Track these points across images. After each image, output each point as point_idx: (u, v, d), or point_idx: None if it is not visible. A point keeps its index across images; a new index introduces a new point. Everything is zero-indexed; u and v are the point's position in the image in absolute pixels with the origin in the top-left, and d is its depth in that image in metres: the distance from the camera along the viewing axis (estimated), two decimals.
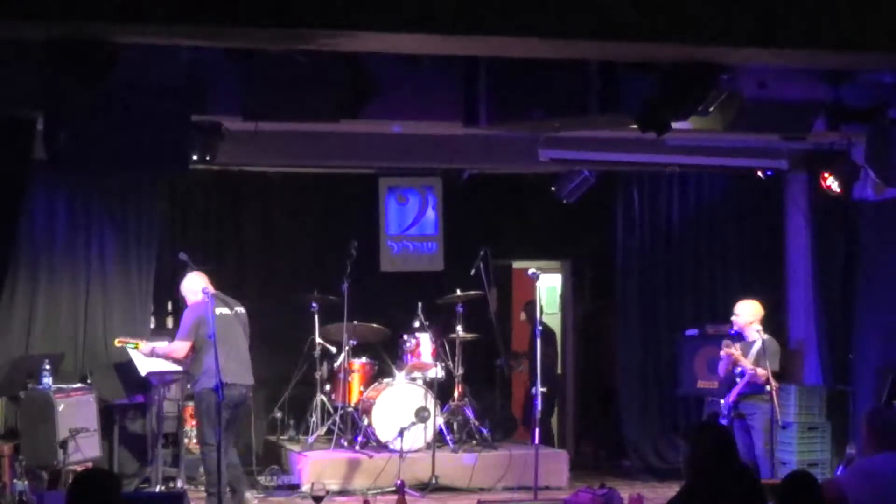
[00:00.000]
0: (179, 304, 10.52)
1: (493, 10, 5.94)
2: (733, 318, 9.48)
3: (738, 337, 9.42)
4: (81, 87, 6.58)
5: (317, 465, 10.12)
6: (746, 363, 9.19)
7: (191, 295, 9.12)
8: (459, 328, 10.90)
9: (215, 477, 8.70)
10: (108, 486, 4.92)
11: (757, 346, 9.24)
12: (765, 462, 9.08)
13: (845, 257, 11.00)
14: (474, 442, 10.74)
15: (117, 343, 9.52)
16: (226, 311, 9.02)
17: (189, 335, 8.93)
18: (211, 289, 9.03)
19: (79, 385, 9.81)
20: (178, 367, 9.78)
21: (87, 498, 4.83)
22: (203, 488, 9.38)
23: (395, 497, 8.01)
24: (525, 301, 11.97)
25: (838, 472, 6.43)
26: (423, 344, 10.87)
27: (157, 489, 9.69)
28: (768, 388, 9.19)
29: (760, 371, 9.12)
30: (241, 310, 9.23)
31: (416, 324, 11.01)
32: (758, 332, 9.32)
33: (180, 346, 9.02)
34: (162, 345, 9.33)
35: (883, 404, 9.52)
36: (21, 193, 8.19)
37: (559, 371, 12.65)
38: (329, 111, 7.68)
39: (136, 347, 9.42)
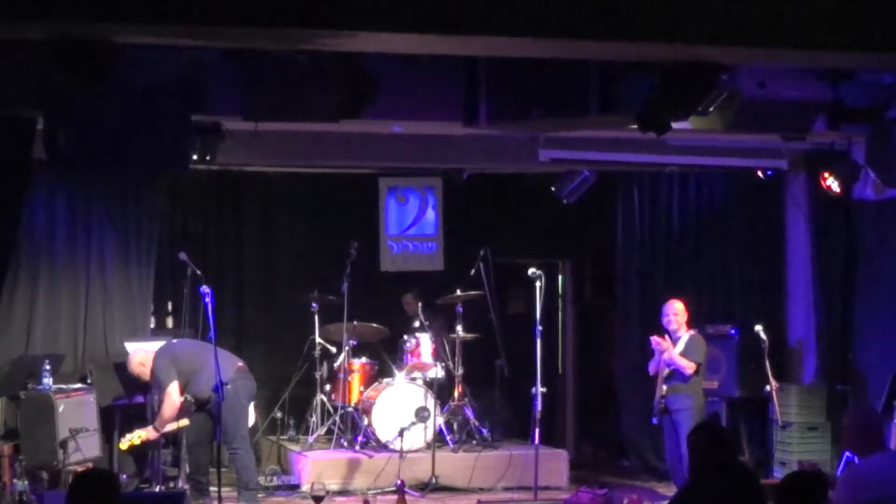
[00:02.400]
0: (179, 304, 10.56)
1: (493, 10, 5.94)
2: (671, 319, 9.61)
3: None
4: (81, 87, 6.58)
5: (317, 465, 10.12)
6: (675, 354, 9.40)
7: (147, 363, 9.27)
8: (459, 328, 10.90)
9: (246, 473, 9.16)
10: (108, 486, 4.94)
11: (684, 340, 9.50)
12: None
13: (845, 257, 10.99)
14: (474, 442, 10.74)
15: (124, 447, 9.28)
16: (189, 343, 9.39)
17: (170, 376, 9.07)
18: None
19: (79, 385, 9.80)
20: None
21: (87, 497, 4.85)
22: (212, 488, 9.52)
23: (395, 497, 8.01)
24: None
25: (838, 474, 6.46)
26: (423, 344, 10.87)
27: (157, 489, 9.68)
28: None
29: (686, 362, 9.36)
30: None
31: (416, 324, 11.01)
32: (687, 331, 9.61)
33: (173, 394, 9.07)
34: (165, 407, 9.16)
35: (882, 405, 9.51)
36: (21, 194, 8.19)
37: (559, 371, 12.66)
38: (329, 111, 7.68)
39: (141, 438, 9.18)
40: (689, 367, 9.37)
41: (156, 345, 9.68)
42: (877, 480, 5.73)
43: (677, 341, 9.55)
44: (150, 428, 9.20)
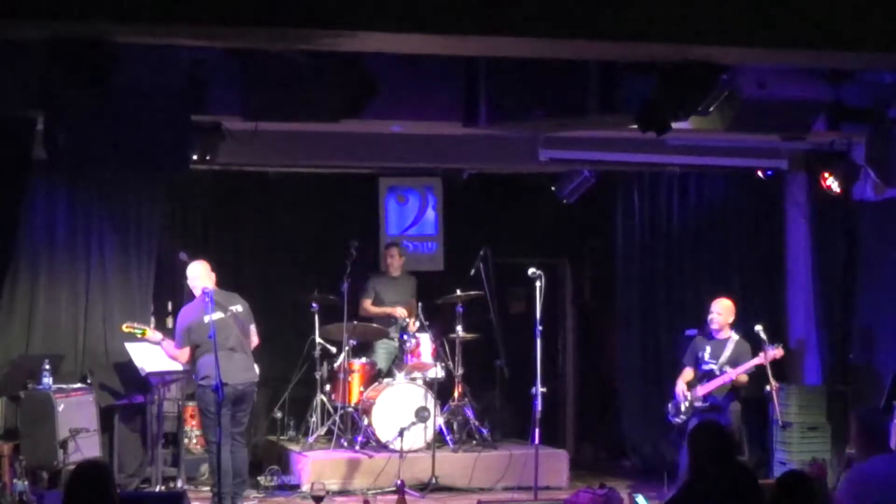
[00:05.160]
0: (180, 304, 10.56)
1: (492, 10, 5.94)
2: (714, 317, 9.42)
3: (705, 333, 9.51)
4: (81, 88, 6.58)
5: (317, 465, 10.12)
6: (733, 373, 9.25)
7: (194, 282, 9.18)
8: (459, 328, 10.90)
9: (224, 479, 8.79)
10: (104, 478, 4.96)
11: (732, 347, 9.36)
12: None
13: (845, 257, 10.98)
14: (474, 442, 10.75)
15: (125, 328, 9.43)
16: (217, 315, 8.99)
17: (182, 342, 9.04)
18: (211, 284, 9.08)
19: (79, 385, 9.81)
20: (179, 367, 9.82)
21: (85, 490, 4.87)
22: (206, 488, 9.62)
23: (395, 497, 8.02)
24: None
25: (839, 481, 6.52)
26: (423, 344, 10.87)
27: (157, 489, 9.69)
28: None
29: (745, 377, 9.24)
30: (238, 308, 9.22)
31: (417, 324, 11.02)
32: (732, 331, 9.49)
33: (180, 354, 9.13)
34: (170, 343, 9.26)
35: (882, 405, 9.51)
36: (21, 193, 8.19)
37: (559, 370, 12.68)
38: (329, 111, 7.68)
39: (143, 334, 9.32)
40: (745, 380, 9.31)
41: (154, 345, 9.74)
42: (880, 484, 5.74)
43: (717, 340, 9.41)
44: (156, 332, 9.29)
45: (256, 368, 9.50)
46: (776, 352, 9.30)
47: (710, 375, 9.35)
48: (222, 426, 8.71)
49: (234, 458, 9.06)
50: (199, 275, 9.17)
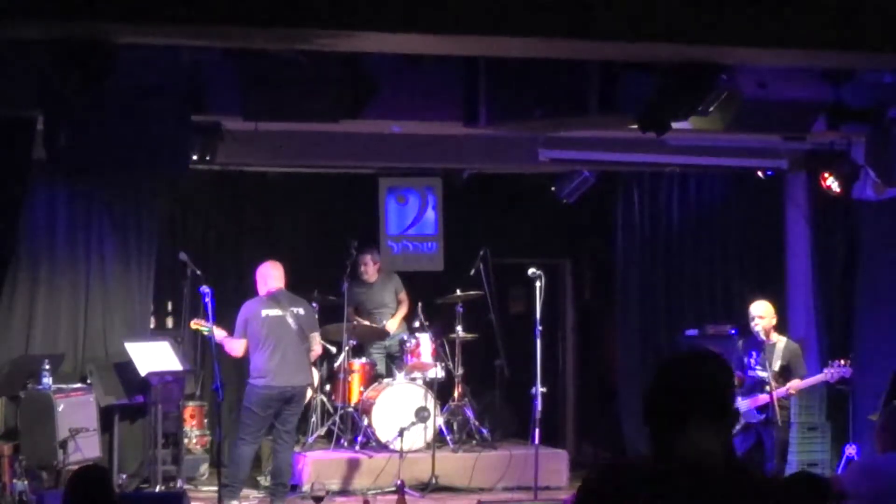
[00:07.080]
0: (179, 304, 10.56)
1: (492, 10, 5.94)
2: (758, 321, 8.88)
3: (748, 338, 9.08)
4: (81, 88, 6.58)
5: (317, 465, 10.12)
6: (798, 384, 8.87)
7: (263, 280, 9.53)
8: (459, 328, 10.90)
9: (232, 469, 9.26)
10: (102, 482, 5.01)
11: (782, 352, 8.88)
12: None
13: (845, 257, 10.99)
14: (474, 442, 10.74)
15: (193, 325, 9.66)
16: (274, 312, 9.35)
17: (239, 334, 9.36)
18: (281, 285, 9.46)
19: (79, 385, 9.81)
20: (179, 368, 9.83)
21: (84, 494, 4.90)
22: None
23: (395, 497, 8.03)
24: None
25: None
26: (423, 344, 10.87)
27: (157, 489, 9.68)
28: (768, 388, 9.15)
29: (794, 384, 8.84)
30: (300, 311, 9.48)
31: (416, 324, 11.02)
32: (775, 335, 9.00)
33: (236, 345, 9.41)
34: (230, 338, 9.46)
35: (882, 405, 9.50)
36: (21, 194, 8.19)
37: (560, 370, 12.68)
38: (329, 111, 7.68)
39: (209, 332, 9.46)
40: (797, 387, 8.85)
41: (154, 345, 9.88)
42: (887, 473, 5.75)
43: (763, 344, 8.83)
44: (223, 333, 9.42)
45: (315, 373, 9.96)
46: (844, 370, 8.84)
47: (760, 385, 8.80)
48: (257, 426, 9.26)
49: (276, 458, 9.50)
50: (270, 275, 9.51)
